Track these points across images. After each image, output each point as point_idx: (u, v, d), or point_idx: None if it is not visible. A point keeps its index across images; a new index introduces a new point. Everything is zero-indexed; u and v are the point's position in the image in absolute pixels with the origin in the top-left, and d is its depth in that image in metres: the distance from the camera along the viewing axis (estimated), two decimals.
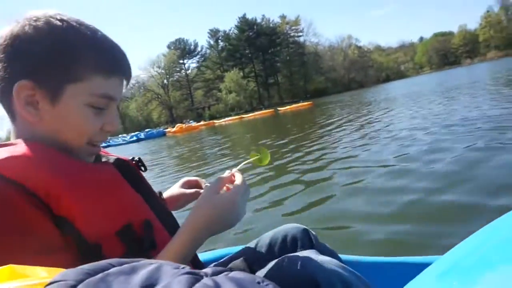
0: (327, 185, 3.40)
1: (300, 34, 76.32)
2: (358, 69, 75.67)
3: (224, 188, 0.72)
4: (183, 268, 0.28)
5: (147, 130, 41.30)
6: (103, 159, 0.77)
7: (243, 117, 32.88)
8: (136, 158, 0.85)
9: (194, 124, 38.22)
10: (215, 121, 38.53)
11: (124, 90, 0.72)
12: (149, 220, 0.66)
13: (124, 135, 46.74)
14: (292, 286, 0.66)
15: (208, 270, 0.29)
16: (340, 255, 1.03)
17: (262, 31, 73.05)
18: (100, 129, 0.67)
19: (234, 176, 0.73)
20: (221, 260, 0.96)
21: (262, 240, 0.92)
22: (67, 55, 0.61)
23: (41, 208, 0.54)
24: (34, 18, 0.61)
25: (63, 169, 0.58)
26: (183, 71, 76.38)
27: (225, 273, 0.29)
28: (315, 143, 6.38)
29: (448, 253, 0.47)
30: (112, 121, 0.69)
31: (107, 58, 0.65)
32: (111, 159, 0.78)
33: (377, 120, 7.98)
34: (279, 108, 32.64)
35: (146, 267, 0.27)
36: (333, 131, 7.63)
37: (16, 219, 0.52)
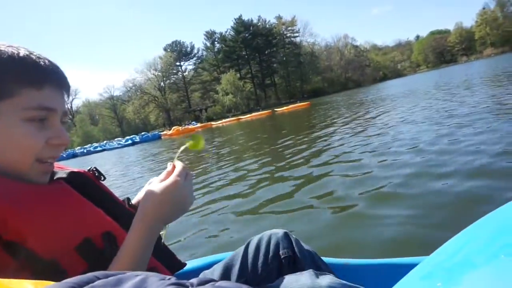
0: (321, 187, 3.38)
1: (296, 34, 76.38)
2: (355, 69, 75.73)
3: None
4: (168, 279, 0.28)
5: (142, 133, 41.29)
6: (56, 176, 0.74)
7: (241, 118, 32.86)
8: (93, 168, 0.83)
9: (195, 125, 38.21)
10: (212, 122, 38.47)
11: (66, 103, 0.70)
12: (111, 231, 0.66)
13: (120, 138, 46.69)
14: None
15: (193, 280, 0.29)
16: (327, 258, 1.04)
17: (258, 32, 73.05)
18: (46, 144, 0.65)
19: (174, 166, 0.74)
20: (211, 269, 1.00)
21: (251, 245, 0.97)
22: None
23: None
24: None
25: (7, 194, 0.57)
26: (179, 73, 76.31)
27: (212, 283, 0.28)
28: (311, 143, 6.37)
29: (433, 254, 0.47)
30: (57, 134, 0.66)
31: (33, 69, 0.63)
32: (64, 173, 0.75)
33: (374, 118, 7.98)
34: (276, 109, 32.64)
35: (131, 279, 0.27)
36: (329, 130, 7.61)
37: None
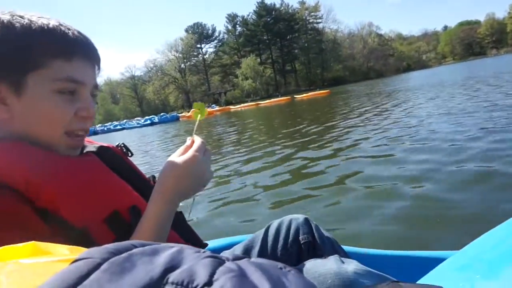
0: (336, 174, 3.38)
1: (319, 20, 74.95)
2: (378, 58, 74.01)
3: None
4: (203, 252, 0.28)
5: (161, 114, 41.85)
6: (86, 149, 0.76)
7: (259, 104, 32.79)
8: (121, 144, 0.84)
9: (216, 108, 38.40)
10: (231, 106, 38.53)
11: (97, 76, 0.71)
12: (137, 205, 0.67)
13: (139, 118, 47.46)
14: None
15: (227, 255, 0.29)
16: (346, 247, 1.05)
17: (281, 17, 71.99)
18: (75, 116, 0.65)
19: (193, 141, 0.74)
20: (231, 249, 1.01)
21: (270, 229, 0.98)
22: (20, 44, 0.61)
23: (23, 202, 0.56)
24: None
25: (40, 163, 0.60)
26: (200, 55, 76.33)
27: (246, 259, 0.29)
28: (330, 131, 6.34)
29: (467, 247, 0.46)
30: (85, 106, 0.66)
31: (62, 40, 0.63)
32: (94, 147, 0.77)
33: (394, 110, 7.84)
34: (295, 96, 32.39)
35: (167, 249, 0.28)
36: (348, 120, 7.54)
37: (2, 215, 0.53)
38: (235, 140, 8.08)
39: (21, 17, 0.62)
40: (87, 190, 0.62)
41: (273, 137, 7.34)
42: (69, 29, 0.65)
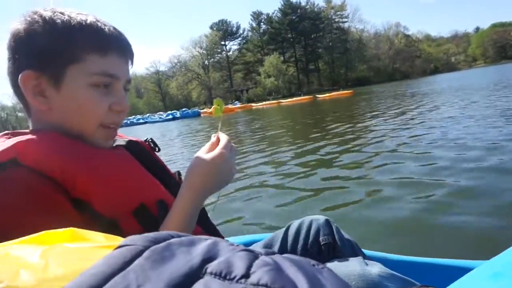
0: (357, 176, 3.33)
1: (345, 19, 73.92)
2: (404, 59, 72.30)
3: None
4: (237, 245, 0.29)
5: (183, 109, 42.36)
6: (116, 143, 0.78)
7: (281, 102, 32.70)
8: (149, 139, 0.86)
9: (238, 104, 38.57)
10: (252, 104, 38.59)
11: (130, 70, 0.73)
12: (163, 199, 0.69)
13: (161, 113, 48.31)
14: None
15: (260, 250, 0.30)
16: (367, 251, 1.03)
17: (306, 15, 71.44)
18: (109, 109, 0.68)
19: (219, 138, 0.76)
20: (251, 247, 1.01)
21: (291, 229, 0.97)
22: (61, 39, 0.63)
23: (59, 191, 0.58)
24: (29, 14, 0.64)
25: (75, 154, 0.62)
26: (224, 52, 76.77)
27: (278, 254, 0.29)
28: (351, 132, 6.24)
29: (500, 256, 0.45)
30: (119, 100, 0.69)
31: (98, 36, 0.66)
32: (123, 141, 0.79)
33: (418, 112, 7.62)
34: (318, 95, 32.11)
35: (203, 241, 0.28)
36: (370, 122, 7.40)
37: (38, 202, 0.56)
38: (255, 138, 8.08)
39: (62, 13, 0.65)
40: (117, 182, 0.64)
41: (294, 136, 7.30)
42: (105, 25, 0.68)
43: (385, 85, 41.43)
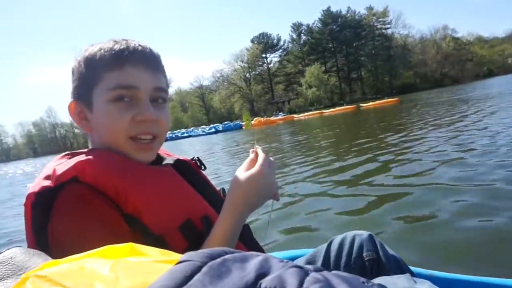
0: (403, 189, 3.20)
1: (388, 26, 71.94)
2: (454, 63, 68.69)
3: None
4: (287, 262, 0.30)
5: (225, 123, 43.24)
6: (164, 161, 0.83)
7: (323, 112, 32.32)
8: (196, 158, 0.89)
9: (276, 117, 38.82)
10: (294, 115, 38.51)
11: (158, 78, 0.74)
12: (208, 215, 0.71)
13: (204, 126, 49.80)
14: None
15: (309, 266, 0.30)
16: (413, 268, 1.00)
17: (347, 24, 70.52)
18: (132, 121, 0.69)
19: (257, 153, 0.76)
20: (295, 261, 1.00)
21: (333, 244, 0.95)
22: (87, 68, 0.70)
23: (114, 207, 0.62)
24: (86, 47, 0.73)
25: (127, 171, 0.66)
26: (265, 65, 77.56)
27: (327, 271, 0.30)
28: (398, 142, 6.02)
29: None
30: (141, 110, 0.70)
31: (112, 53, 0.69)
32: (172, 160, 0.83)
33: (474, 122, 7.19)
34: (361, 104, 31.39)
35: (255, 257, 0.29)
36: (421, 131, 7.09)
37: (97, 218, 0.60)
38: (298, 150, 8.05)
39: (98, 43, 0.72)
40: (166, 199, 0.67)
41: (338, 147, 7.19)
42: (116, 41, 0.71)
43: (434, 91, 39.54)
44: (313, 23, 74.86)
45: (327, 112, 32.18)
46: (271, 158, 0.76)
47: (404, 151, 5.23)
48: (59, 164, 0.65)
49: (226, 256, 0.29)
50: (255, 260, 0.29)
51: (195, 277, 0.26)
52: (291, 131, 15.50)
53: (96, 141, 0.74)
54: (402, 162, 4.49)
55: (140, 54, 0.71)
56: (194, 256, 0.29)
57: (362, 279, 0.29)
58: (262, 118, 36.48)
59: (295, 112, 50.76)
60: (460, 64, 69.06)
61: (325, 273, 0.28)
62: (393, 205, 2.86)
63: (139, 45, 0.72)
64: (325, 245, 0.97)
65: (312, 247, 1.07)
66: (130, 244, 0.35)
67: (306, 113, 37.11)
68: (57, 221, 0.60)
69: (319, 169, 5.04)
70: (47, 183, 0.62)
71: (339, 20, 71.46)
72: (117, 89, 0.68)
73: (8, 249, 0.46)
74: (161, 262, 0.32)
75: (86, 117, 0.72)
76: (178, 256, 0.33)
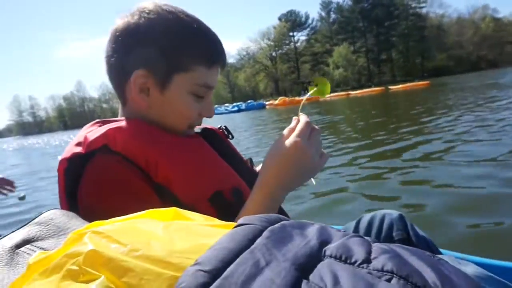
0: (430, 174, 3.05)
1: (423, 5, 68.66)
2: (492, 46, 64.92)
3: None
4: (345, 231, 0.29)
5: (248, 101, 42.98)
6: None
7: (350, 94, 31.62)
8: (223, 127, 0.88)
9: (301, 97, 38.30)
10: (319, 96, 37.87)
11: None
12: (238, 187, 0.69)
13: (227, 105, 49.91)
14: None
15: (366, 237, 0.29)
16: (443, 250, 0.97)
17: (379, 2, 67.72)
18: (198, 115, 0.73)
19: (298, 121, 0.67)
20: None
21: (362, 222, 0.93)
22: (176, 47, 0.67)
23: (144, 176, 0.62)
24: (147, 11, 0.67)
25: (159, 141, 0.66)
26: (292, 43, 76.21)
27: (387, 243, 0.29)
28: (427, 130, 5.78)
29: None
30: (209, 108, 0.74)
31: (210, 50, 0.70)
32: (199, 129, 0.82)
33: (506, 107, 6.78)
34: (390, 87, 30.42)
35: (312, 225, 0.29)
36: (449, 118, 6.76)
37: (126, 187, 0.61)
38: (323, 132, 7.92)
39: (184, 16, 0.69)
40: (195, 169, 0.66)
41: (364, 130, 7.01)
42: (215, 37, 0.72)
43: (468, 75, 37.74)
44: (344, 1, 72.46)
45: (354, 93, 31.43)
46: (315, 127, 0.67)
47: (426, 136, 5.01)
48: (90, 131, 0.65)
49: (284, 222, 0.29)
50: (313, 228, 0.28)
51: (258, 241, 0.26)
52: (316, 112, 15.25)
53: (138, 114, 0.71)
54: (423, 146, 4.31)
55: (224, 56, 0.74)
56: (253, 219, 0.29)
57: (427, 253, 0.28)
58: (287, 98, 36.07)
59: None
60: (499, 47, 65.24)
61: (391, 244, 0.27)
62: (425, 188, 2.76)
63: (222, 44, 0.74)
64: (353, 223, 0.95)
65: (341, 224, 1.06)
66: (174, 208, 0.36)
67: (332, 94, 36.38)
68: (86, 189, 0.61)
69: (346, 150, 4.93)
70: (79, 149, 0.62)
71: None
72: (202, 87, 0.70)
73: (48, 210, 0.47)
74: (209, 226, 0.32)
75: (148, 92, 0.69)
76: (221, 222, 0.32)
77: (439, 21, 68.36)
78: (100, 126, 0.67)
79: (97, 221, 0.34)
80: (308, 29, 76.52)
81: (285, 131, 0.66)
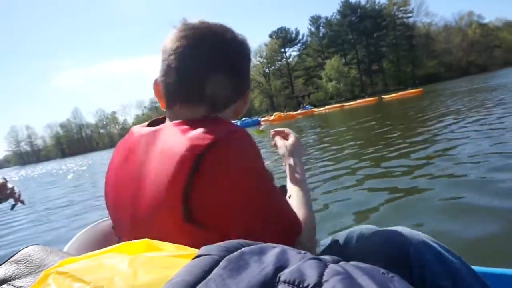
0: (423, 189, 3.06)
1: (410, 15, 69.92)
2: (480, 51, 65.99)
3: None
4: (304, 253, 0.29)
5: (243, 119, 43.01)
6: None
7: (344, 105, 31.83)
8: None
9: (311, 109, 38.51)
10: (314, 109, 38.09)
11: None
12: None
13: None
14: (380, 260, 0.61)
15: (326, 257, 0.30)
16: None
17: (367, 14, 69.02)
18: None
19: (284, 131, 0.97)
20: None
21: (338, 237, 0.91)
22: (248, 72, 0.77)
23: None
24: (223, 28, 0.74)
25: None
26: (284, 59, 77.09)
27: (343, 262, 0.30)
28: (421, 137, 5.84)
29: None
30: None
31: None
32: None
33: (500, 110, 6.89)
34: (383, 96, 30.70)
35: (272, 249, 0.30)
36: (445, 123, 6.85)
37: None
38: (318, 145, 7.96)
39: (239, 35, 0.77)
40: None
41: (360, 141, 7.06)
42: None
43: (459, 80, 38.21)
44: (332, 15, 73.80)
45: (348, 105, 31.66)
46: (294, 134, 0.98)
47: (425, 144, 5.06)
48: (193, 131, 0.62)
49: (243, 249, 0.29)
50: (272, 252, 0.29)
51: (214, 271, 0.26)
52: (310, 125, 15.33)
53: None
54: (422, 155, 4.35)
55: None
56: (211, 250, 0.29)
57: (382, 270, 0.29)
58: (283, 113, 36.23)
59: (315, 106, 50.13)
60: (488, 51, 66.34)
61: (345, 264, 0.28)
62: (418, 203, 2.78)
63: None
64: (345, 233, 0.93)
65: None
66: (146, 240, 0.36)
67: (326, 107, 36.61)
68: (235, 163, 0.61)
69: (338, 162, 4.96)
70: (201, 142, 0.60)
71: (359, 11, 70.04)
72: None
73: (26, 247, 0.48)
74: (177, 256, 0.32)
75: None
76: (194, 251, 0.33)
77: (427, 29, 69.61)
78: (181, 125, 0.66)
79: (70, 258, 0.35)
80: (299, 44, 77.65)
81: (281, 148, 0.93)
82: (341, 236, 0.91)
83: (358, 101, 33.11)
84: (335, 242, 0.90)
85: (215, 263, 0.27)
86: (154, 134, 0.65)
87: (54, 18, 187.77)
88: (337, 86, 63.01)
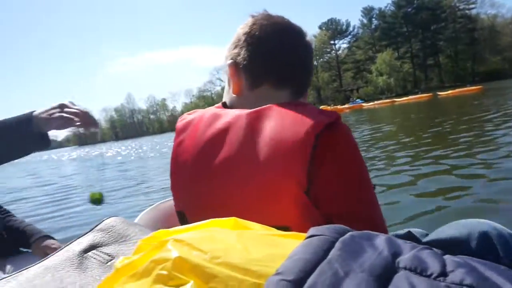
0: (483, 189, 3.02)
1: (472, 6, 65.13)
2: None
3: None
4: (412, 243, 0.29)
5: None
6: None
7: (395, 101, 30.84)
8: None
9: (361, 103, 37.92)
10: (363, 104, 37.26)
11: None
12: None
13: None
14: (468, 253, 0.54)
15: (435, 249, 0.29)
16: None
17: (424, 6, 65.37)
18: None
19: None
20: None
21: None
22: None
23: None
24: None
25: None
26: (333, 51, 75.59)
27: (458, 256, 0.28)
28: (482, 136, 5.74)
29: None
30: None
31: None
32: None
33: None
34: (439, 93, 29.35)
35: (377, 236, 0.29)
36: (506, 125, 6.64)
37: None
38: (367, 142, 8.00)
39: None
40: None
41: (413, 140, 7.04)
42: None
43: None
44: (386, 7, 70.89)
45: (399, 100, 30.61)
46: None
47: (481, 147, 5.02)
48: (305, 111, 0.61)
49: (353, 233, 0.29)
50: (380, 239, 0.29)
51: (332, 252, 0.26)
52: (360, 121, 15.16)
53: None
54: (478, 158, 4.36)
55: None
56: (324, 230, 0.29)
57: (502, 266, 0.27)
58: (329, 107, 35.87)
59: (364, 101, 48.89)
60: None
61: (464, 257, 0.27)
62: (471, 207, 2.90)
63: None
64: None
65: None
66: (234, 218, 0.37)
67: (376, 102, 35.66)
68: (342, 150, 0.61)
69: (387, 160, 4.98)
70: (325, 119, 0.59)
71: (415, 1, 66.51)
72: None
73: (109, 217, 0.51)
74: (274, 235, 0.33)
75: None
76: (279, 232, 0.34)
77: (492, 21, 64.59)
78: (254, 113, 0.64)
79: (175, 229, 0.36)
80: (350, 36, 75.60)
81: None
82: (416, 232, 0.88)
83: (411, 97, 31.97)
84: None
85: (331, 244, 0.27)
86: (257, 115, 0.63)
87: (110, 11, 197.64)
88: (387, 80, 60.80)
